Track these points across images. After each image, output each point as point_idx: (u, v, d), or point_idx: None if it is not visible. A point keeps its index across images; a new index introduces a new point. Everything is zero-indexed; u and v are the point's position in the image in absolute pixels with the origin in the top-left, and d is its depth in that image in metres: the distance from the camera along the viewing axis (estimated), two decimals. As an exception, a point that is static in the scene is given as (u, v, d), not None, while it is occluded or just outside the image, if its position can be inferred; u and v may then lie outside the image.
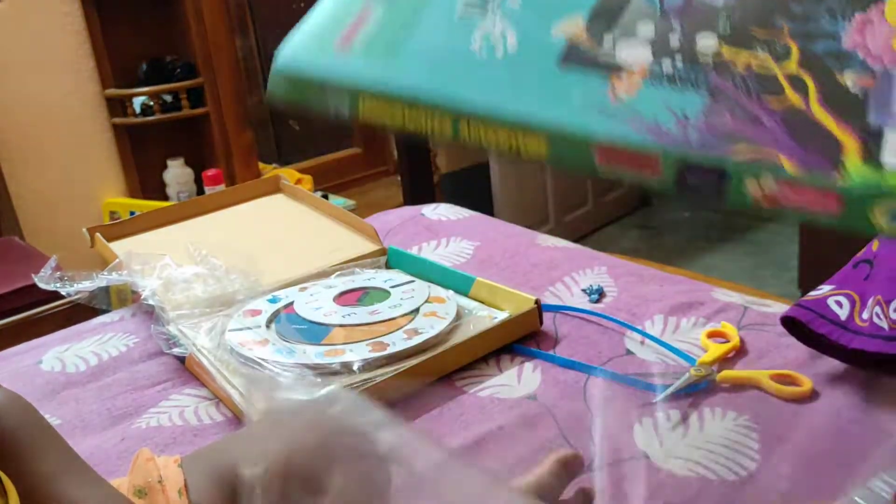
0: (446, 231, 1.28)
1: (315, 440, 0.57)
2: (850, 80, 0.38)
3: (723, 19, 0.42)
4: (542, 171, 2.76)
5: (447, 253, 1.20)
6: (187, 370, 0.92)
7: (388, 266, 1.11)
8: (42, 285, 1.00)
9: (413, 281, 1.01)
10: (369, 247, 1.14)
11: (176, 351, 0.91)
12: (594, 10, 0.43)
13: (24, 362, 0.98)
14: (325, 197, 1.74)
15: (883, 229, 0.34)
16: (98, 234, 1.16)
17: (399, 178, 2.07)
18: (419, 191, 1.66)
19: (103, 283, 1.00)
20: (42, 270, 1.02)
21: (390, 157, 2.89)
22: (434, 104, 0.42)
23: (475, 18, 0.44)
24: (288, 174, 2.11)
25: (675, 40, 0.41)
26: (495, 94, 0.41)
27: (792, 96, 0.37)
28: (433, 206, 1.41)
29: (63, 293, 1.00)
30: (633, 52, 0.41)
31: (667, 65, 0.40)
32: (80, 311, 1.20)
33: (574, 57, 0.41)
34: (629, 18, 0.43)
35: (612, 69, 0.40)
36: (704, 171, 0.36)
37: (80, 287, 1.00)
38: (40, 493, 0.47)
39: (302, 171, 2.58)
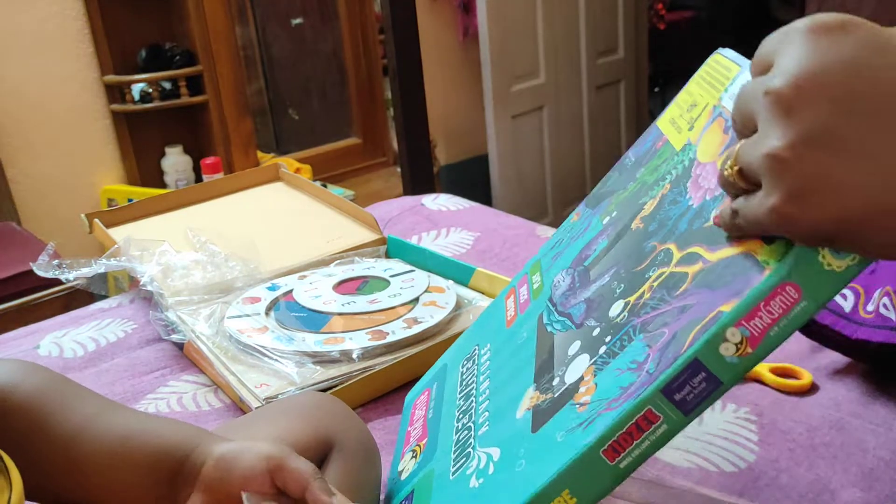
0: (446, 221, 1.28)
1: (311, 428, 0.57)
2: (714, 216, 0.41)
3: (616, 284, 0.48)
4: (541, 163, 2.75)
5: (447, 243, 1.20)
6: (186, 357, 0.92)
7: (387, 255, 1.11)
8: (40, 273, 0.99)
9: (413, 270, 1.01)
10: (369, 236, 1.13)
11: (174, 337, 0.91)
12: (537, 371, 0.50)
13: (22, 347, 0.98)
14: (324, 187, 1.72)
15: (839, 267, 0.34)
16: (97, 220, 1.15)
17: (397, 170, 2.07)
18: (419, 181, 1.65)
19: (102, 269, 0.99)
20: (40, 257, 1.01)
21: (389, 148, 2.87)
22: None
23: (465, 465, 0.50)
24: (287, 164, 2.10)
25: (597, 331, 0.47)
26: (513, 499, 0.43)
27: (693, 269, 0.41)
28: (433, 196, 1.41)
29: (62, 279, 0.99)
30: (576, 367, 0.46)
31: (603, 351, 0.44)
32: (79, 297, 1.20)
33: (539, 417, 0.46)
34: (559, 351, 0.49)
35: (570, 393, 0.44)
36: (685, 377, 0.38)
37: (78, 273, 0.99)
38: (89, 431, 0.48)
39: (300, 160, 2.57)
